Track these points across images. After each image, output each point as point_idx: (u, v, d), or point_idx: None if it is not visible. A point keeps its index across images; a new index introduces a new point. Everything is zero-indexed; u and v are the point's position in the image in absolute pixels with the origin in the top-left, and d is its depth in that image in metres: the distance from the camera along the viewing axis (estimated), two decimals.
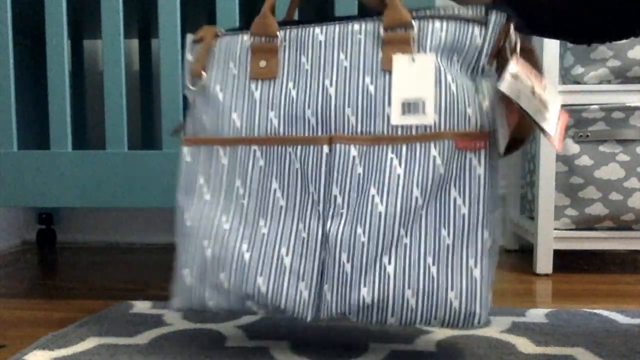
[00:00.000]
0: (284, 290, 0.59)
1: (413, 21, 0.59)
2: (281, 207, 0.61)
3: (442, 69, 0.58)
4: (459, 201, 0.58)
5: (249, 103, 0.62)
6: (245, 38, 0.64)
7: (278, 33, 0.62)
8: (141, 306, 0.91)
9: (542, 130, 0.56)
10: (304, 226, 0.60)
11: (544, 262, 1.20)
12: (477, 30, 0.58)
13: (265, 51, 0.63)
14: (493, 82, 0.59)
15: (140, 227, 1.66)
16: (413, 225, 0.58)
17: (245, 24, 0.88)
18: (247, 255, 0.60)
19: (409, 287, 0.57)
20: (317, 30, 0.62)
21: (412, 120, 0.58)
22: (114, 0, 0.89)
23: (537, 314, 0.86)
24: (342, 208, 0.59)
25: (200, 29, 0.67)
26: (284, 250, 0.60)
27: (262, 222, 0.61)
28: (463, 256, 0.58)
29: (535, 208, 1.22)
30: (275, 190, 0.61)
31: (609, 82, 1.22)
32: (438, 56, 0.59)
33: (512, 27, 0.58)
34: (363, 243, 0.57)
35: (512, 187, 1.52)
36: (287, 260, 0.60)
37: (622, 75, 1.21)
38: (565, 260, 1.36)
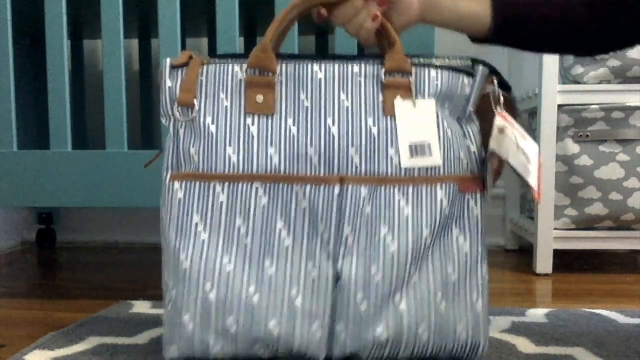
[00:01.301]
0: (297, 332, 0.58)
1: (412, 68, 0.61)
2: (287, 246, 0.59)
3: (439, 114, 0.61)
4: (462, 240, 0.61)
5: (246, 138, 0.60)
6: (237, 69, 0.61)
7: (277, 68, 0.60)
8: (141, 306, 0.91)
9: (528, 184, 0.61)
10: (314, 266, 0.59)
11: (544, 262, 1.20)
12: (466, 80, 0.62)
13: (262, 86, 0.60)
14: (477, 127, 0.63)
15: (140, 227, 1.66)
16: (422, 263, 0.60)
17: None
18: (256, 298, 0.59)
19: (421, 323, 0.59)
20: (316, 67, 0.61)
21: (421, 162, 0.59)
22: (114, 0, 0.89)
23: (537, 314, 0.86)
24: (353, 247, 0.59)
25: (181, 54, 0.63)
26: (294, 292, 0.59)
27: (268, 263, 0.59)
28: (467, 291, 0.61)
29: (535, 208, 1.22)
30: (280, 230, 0.59)
31: (609, 82, 1.22)
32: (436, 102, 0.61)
33: (495, 80, 0.63)
34: (378, 282, 0.58)
35: (512, 187, 1.52)
36: (298, 302, 0.59)
37: (622, 75, 1.21)
38: (565, 260, 1.36)
